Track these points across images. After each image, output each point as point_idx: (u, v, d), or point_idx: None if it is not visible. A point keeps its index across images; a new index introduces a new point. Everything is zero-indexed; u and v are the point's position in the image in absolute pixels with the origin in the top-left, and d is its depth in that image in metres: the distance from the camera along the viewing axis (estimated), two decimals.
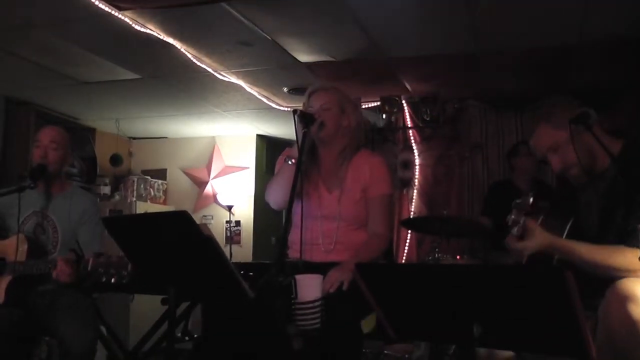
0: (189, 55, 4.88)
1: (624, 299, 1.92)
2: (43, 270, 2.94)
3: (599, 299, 2.02)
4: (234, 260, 5.51)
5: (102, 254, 2.79)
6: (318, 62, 5.06)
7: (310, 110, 2.75)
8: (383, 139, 6.43)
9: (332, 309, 2.32)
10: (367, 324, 2.52)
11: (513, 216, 2.24)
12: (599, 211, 2.34)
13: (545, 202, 2.56)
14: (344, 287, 2.43)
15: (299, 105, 2.91)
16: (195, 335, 5.57)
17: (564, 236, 2.37)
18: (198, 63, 5.02)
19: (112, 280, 2.71)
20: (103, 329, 3.43)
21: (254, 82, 5.70)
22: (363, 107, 5.96)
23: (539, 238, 2.20)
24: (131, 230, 2.35)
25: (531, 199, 2.26)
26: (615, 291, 1.97)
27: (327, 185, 2.84)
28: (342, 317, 2.37)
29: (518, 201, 2.26)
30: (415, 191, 6.21)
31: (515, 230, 2.22)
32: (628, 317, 1.89)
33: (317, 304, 2.27)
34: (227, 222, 7.51)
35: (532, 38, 4.50)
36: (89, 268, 2.77)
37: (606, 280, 2.05)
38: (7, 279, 3.01)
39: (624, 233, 2.14)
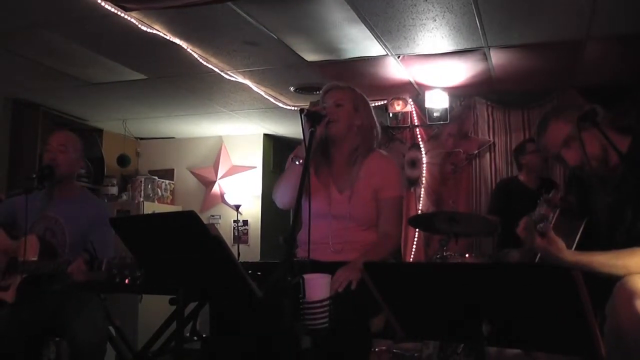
0: (196, 55, 4.89)
1: (632, 296, 1.91)
2: (54, 269, 2.95)
3: (606, 296, 2.02)
4: (241, 259, 5.52)
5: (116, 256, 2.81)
6: (324, 61, 5.06)
7: (324, 107, 2.75)
8: (390, 137, 6.42)
9: (340, 308, 2.31)
10: (376, 323, 2.52)
11: (542, 211, 2.21)
12: (609, 208, 2.33)
13: (573, 198, 2.52)
14: (352, 287, 2.43)
15: (306, 104, 2.91)
16: (204, 335, 5.58)
17: (578, 236, 2.34)
18: (204, 63, 5.03)
19: (126, 281, 2.72)
20: (112, 329, 3.44)
21: (261, 82, 5.70)
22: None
23: (561, 253, 2.16)
24: (139, 230, 2.35)
25: (560, 194, 2.24)
26: (622, 288, 1.97)
27: (338, 184, 2.82)
28: (350, 317, 2.36)
29: (548, 195, 2.23)
30: (422, 189, 6.20)
31: (542, 225, 2.18)
32: (635, 314, 1.88)
33: (325, 303, 2.26)
34: (234, 221, 7.51)
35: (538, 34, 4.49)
36: (102, 268, 2.78)
37: (612, 277, 2.04)
38: (18, 278, 3.03)
39: (636, 233, 2.13)
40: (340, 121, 2.76)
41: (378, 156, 2.87)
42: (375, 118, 2.94)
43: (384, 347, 4.47)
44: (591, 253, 2.17)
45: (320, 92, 2.94)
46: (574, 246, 2.28)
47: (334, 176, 2.84)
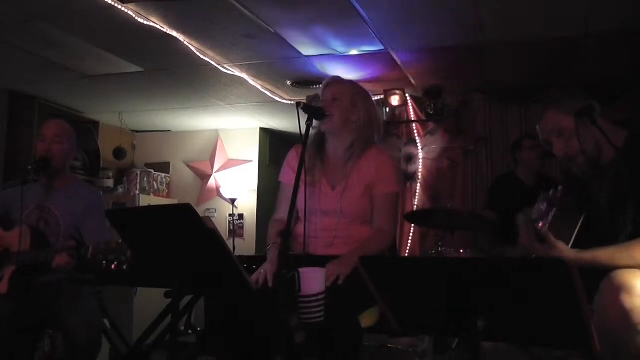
0: (192, 48, 4.87)
1: (618, 289, 1.93)
2: (46, 259, 2.94)
3: (596, 291, 2.02)
4: (237, 253, 5.50)
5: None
6: (321, 55, 5.05)
7: (322, 101, 2.74)
8: (386, 132, 6.41)
9: (335, 302, 2.31)
10: (368, 317, 2.51)
11: (542, 207, 2.20)
12: (608, 202, 2.33)
13: (574, 198, 2.52)
14: (340, 282, 2.39)
15: (303, 99, 2.90)
16: (199, 329, 5.58)
17: (576, 232, 2.34)
18: (201, 56, 5.01)
19: (112, 266, 2.71)
20: (106, 322, 3.44)
21: (258, 75, 5.69)
22: None
23: (563, 253, 2.17)
24: (134, 223, 2.35)
25: (560, 194, 2.23)
26: (609, 282, 1.98)
27: (330, 180, 2.80)
28: (345, 311, 2.36)
29: (549, 193, 2.23)
30: (418, 185, 6.20)
31: (540, 223, 2.18)
32: (621, 307, 1.90)
33: (320, 297, 2.26)
34: (230, 215, 7.51)
35: (537, 30, 4.49)
36: (89, 255, 2.77)
37: (603, 272, 2.05)
38: (10, 269, 3.02)
39: (637, 226, 2.13)
40: (335, 116, 2.73)
41: (375, 151, 2.83)
42: (377, 113, 2.90)
43: (376, 343, 4.47)
44: (593, 250, 2.18)
45: (321, 86, 2.90)
46: (572, 240, 2.28)
47: (326, 172, 2.82)
